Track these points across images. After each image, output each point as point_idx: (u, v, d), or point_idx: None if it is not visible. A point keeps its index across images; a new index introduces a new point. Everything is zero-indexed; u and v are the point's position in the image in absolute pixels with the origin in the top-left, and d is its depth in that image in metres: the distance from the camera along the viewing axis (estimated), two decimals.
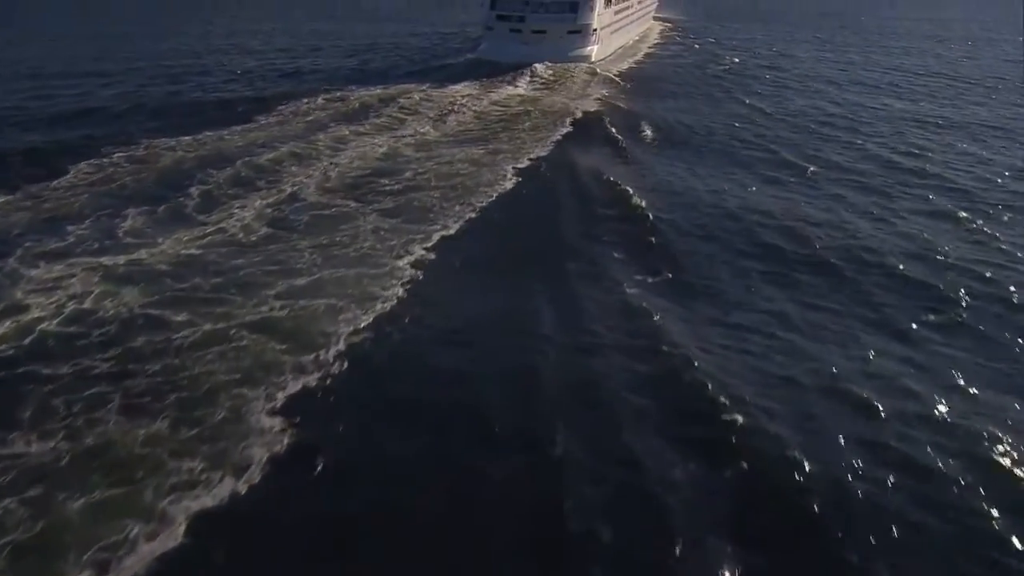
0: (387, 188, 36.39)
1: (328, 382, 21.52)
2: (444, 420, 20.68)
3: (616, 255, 30.63)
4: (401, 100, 57.06)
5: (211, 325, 23.99)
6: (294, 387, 21.09)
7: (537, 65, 76.45)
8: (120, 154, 41.11)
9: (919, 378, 22.86)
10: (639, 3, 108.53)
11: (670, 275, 29.10)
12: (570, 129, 50.58)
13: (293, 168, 39.14)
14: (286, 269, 27.98)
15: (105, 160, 40.17)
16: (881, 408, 21.19)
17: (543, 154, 44.49)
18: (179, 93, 60.67)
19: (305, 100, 55.75)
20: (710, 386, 21.71)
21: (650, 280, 28.66)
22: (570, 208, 36.13)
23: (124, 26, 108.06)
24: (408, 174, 38.44)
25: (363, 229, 31.55)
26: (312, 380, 21.44)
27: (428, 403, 21.32)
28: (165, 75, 68.89)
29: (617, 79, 72.33)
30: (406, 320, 25.07)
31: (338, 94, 58.21)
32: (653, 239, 32.36)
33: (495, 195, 36.35)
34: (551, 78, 72.66)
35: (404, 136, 46.41)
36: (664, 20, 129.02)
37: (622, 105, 60.17)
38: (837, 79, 74.60)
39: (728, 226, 34.16)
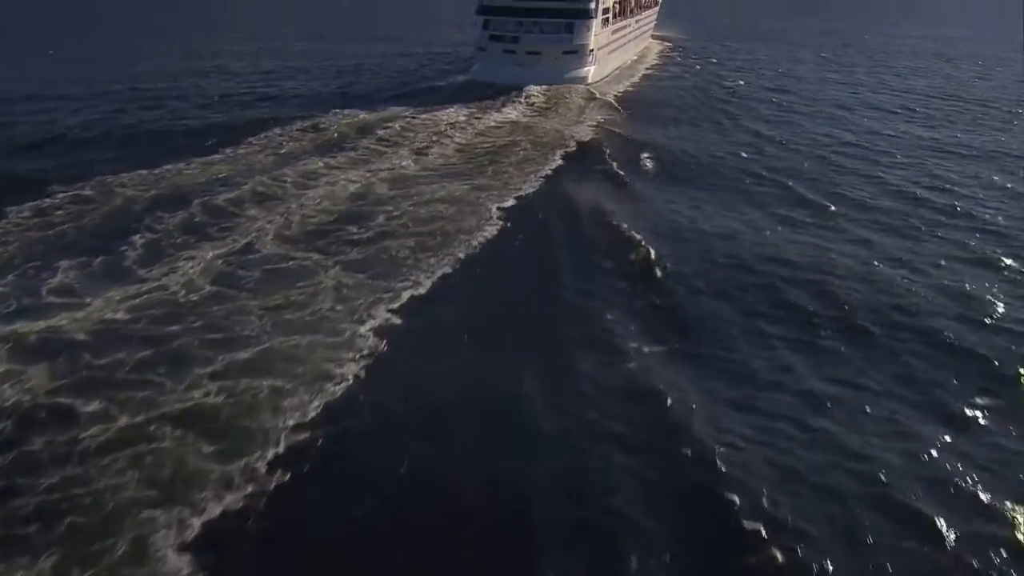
0: (354, 236, 32.26)
1: (257, 503, 17.34)
2: (409, 551, 16.56)
3: (617, 318, 26.48)
4: (383, 128, 53.05)
5: (128, 418, 19.87)
6: (214, 510, 16.94)
7: (531, 87, 72.69)
8: (66, 193, 36.90)
9: (983, 479, 18.85)
10: (637, 22, 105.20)
11: (679, 344, 24.97)
12: (564, 162, 46.57)
13: (253, 211, 35.03)
14: (228, 338, 23.85)
15: (48, 201, 35.99)
16: (942, 522, 17.22)
17: (533, 191, 40.49)
18: (149, 120, 56.73)
19: (279, 128, 51.79)
20: (736, 500, 17.67)
21: (657, 350, 24.53)
22: (563, 259, 31.91)
23: (105, 46, 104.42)
24: (380, 218, 34.28)
25: (323, 286, 27.44)
26: (238, 500, 17.27)
27: (387, 529, 17.18)
28: (139, 100, 64.96)
29: (615, 103, 68.49)
30: (364, 408, 20.92)
31: (316, 121, 54.17)
32: (658, 299, 28.24)
33: (477, 243, 32.23)
34: (545, 102, 68.83)
35: (381, 171, 42.30)
36: (662, 39, 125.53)
37: (621, 132, 56.23)
38: (847, 103, 70.84)
39: (743, 280, 30.05)
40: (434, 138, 50.55)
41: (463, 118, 58.76)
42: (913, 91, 78.34)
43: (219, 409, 20.39)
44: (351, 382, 21.86)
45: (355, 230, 32.71)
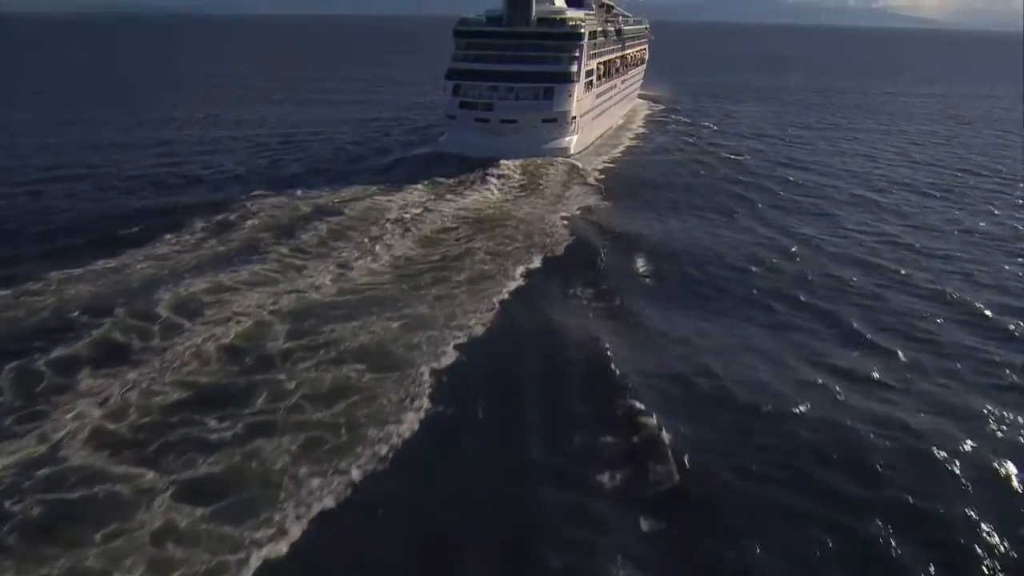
0: (212, 433, 21.39)
1: None
2: None
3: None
4: (309, 224, 42.91)
5: None
6: None
7: (506, 162, 62.94)
8: None
9: None
10: (623, 82, 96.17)
11: None
12: (533, 277, 36.17)
13: (85, 380, 24.16)
14: None
15: None
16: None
17: (487, 328, 30.01)
18: (27, 213, 46.00)
19: (181, 224, 41.74)
20: None
21: None
22: (531, 456, 21.23)
23: (34, 111, 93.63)
24: (260, 398, 23.38)
25: (138, 536, 16.69)
26: None
27: None
28: (32, 181, 54.35)
29: (601, 181, 58.84)
30: None
31: (229, 214, 44.04)
32: (678, 507, 17.72)
33: (395, 442, 21.39)
34: (521, 179, 59.12)
35: (286, 295, 31.93)
36: (650, 98, 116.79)
37: (608, 224, 46.13)
38: (874, 180, 61.03)
39: (797, 486, 19.73)
40: (373, 239, 40.05)
41: (419, 204, 48.92)
42: (942, 164, 68.60)
43: None
44: None
45: (215, 424, 21.74)
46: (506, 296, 33.08)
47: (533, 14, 71.12)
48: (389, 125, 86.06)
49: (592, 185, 57.17)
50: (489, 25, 71.79)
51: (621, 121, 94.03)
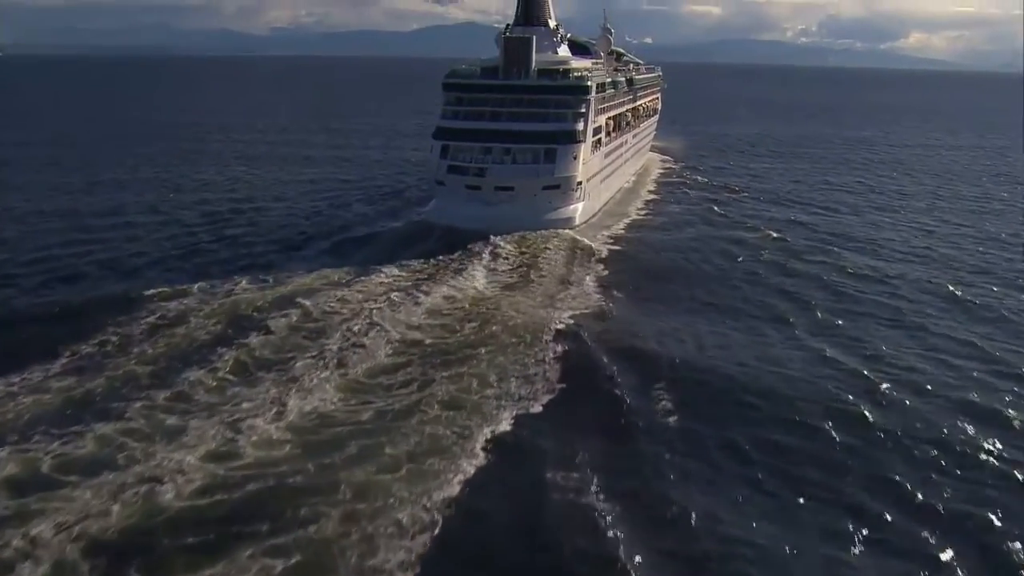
0: None
1: None
2: None
3: None
4: (277, 316, 35.62)
5: None
6: None
7: (499, 239, 53.83)
8: None
9: None
10: (634, 136, 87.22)
11: None
12: (520, 423, 26.88)
13: None
14: None
15: None
16: None
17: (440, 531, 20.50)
18: None
19: (142, 317, 35.16)
20: None
21: None
22: None
23: None
24: None
25: None
26: None
27: None
28: None
29: (609, 264, 49.48)
30: None
31: (172, 309, 36.60)
32: None
33: None
34: (515, 259, 50.23)
35: (126, 491, 22.00)
36: (662, 151, 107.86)
37: (620, 335, 36.68)
38: (942, 263, 50.77)
39: None
40: (288, 380, 29.95)
41: (401, 288, 42.02)
42: (1012, 244, 58.30)
43: None
44: None
45: None
46: (468, 475, 23.41)
47: (533, 64, 62.25)
48: (370, 188, 77.01)
49: (599, 271, 47.77)
50: (483, 77, 62.83)
51: (632, 180, 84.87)
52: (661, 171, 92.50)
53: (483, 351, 32.59)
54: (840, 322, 39.34)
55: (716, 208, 69.28)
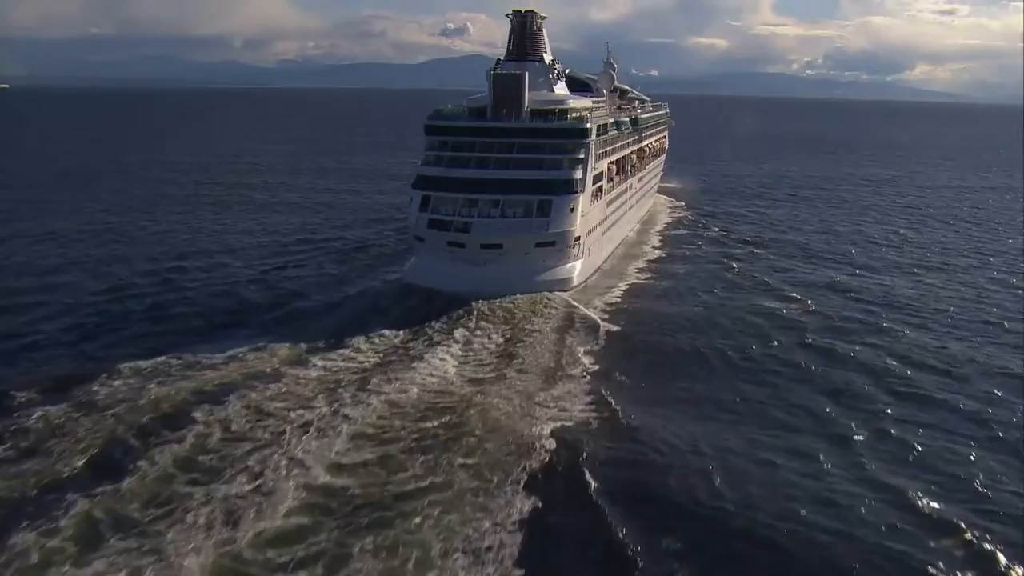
0: None
1: None
2: None
3: None
4: (166, 439, 27.67)
5: None
6: None
7: (483, 305, 46.62)
8: None
9: None
10: (640, 180, 79.43)
11: None
12: None
13: None
14: None
15: None
16: None
17: None
18: None
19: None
20: None
21: None
22: None
23: None
24: None
25: None
26: None
27: None
28: None
29: (607, 348, 41.34)
30: None
31: (60, 411, 29.14)
32: None
33: None
34: (499, 334, 42.94)
35: None
36: (671, 194, 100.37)
37: (615, 454, 28.75)
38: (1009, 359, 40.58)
39: None
40: (211, 507, 22.79)
41: (364, 372, 35.76)
42: None
43: None
44: None
45: None
46: None
47: (526, 104, 55.07)
48: (347, 239, 69.34)
49: (592, 360, 39.29)
50: (470, 119, 55.53)
51: (637, 229, 77.39)
52: (669, 219, 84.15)
53: (427, 502, 24.25)
54: (919, 444, 30.12)
55: (734, 266, 60.47)
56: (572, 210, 52.10)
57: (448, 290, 48.71)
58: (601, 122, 59.79)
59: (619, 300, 51.17)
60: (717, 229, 76.76)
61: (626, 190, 70.60)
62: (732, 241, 71.22)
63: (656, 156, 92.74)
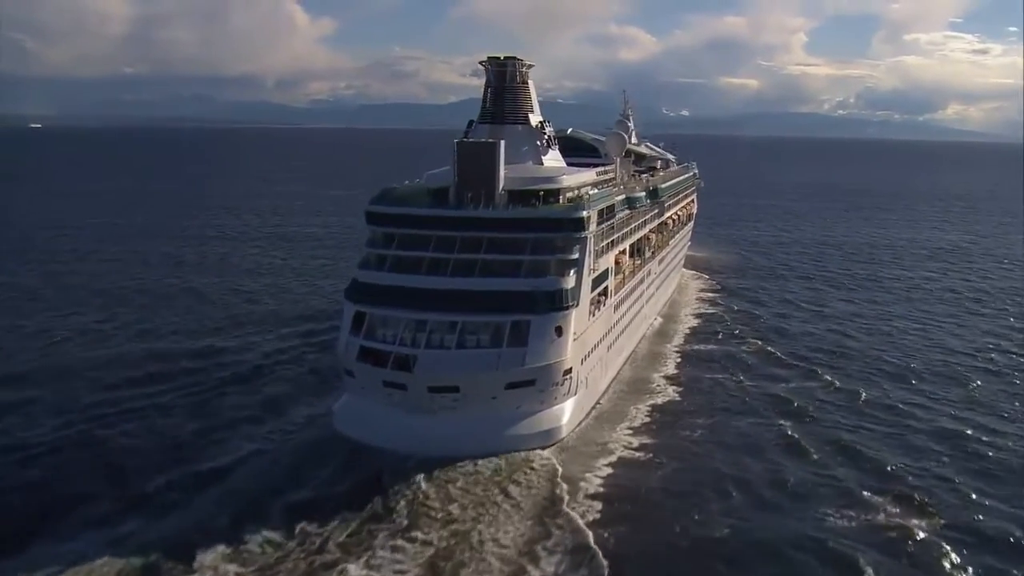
0: None
1: None
2: None
3: None
4: None
5: None
6: None
7: (425, 484, 32.19)
8: None
9: None
10: (660, 263, 64.28)
11: None
12: None
13: None
14: None
15: None
16: None
17: None
18: None
19: None
20: None
21: None
22: None
23: None
24: None
25: None
26: None
27: None
28: None
29: (604, 548, 27.15)
30: None
31: None
32: None
33: None
34: (442, 531, 29.05)
35: None
36: (699, 267, 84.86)
37: None
38: None
39: None
40: None
41: None
42: None
43: None
44: None
45: None
46: None
47: (500, 184, 40.60)
48: (294, 345, 54.59)
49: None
50: (425, 206, 40.80)
51: (659, 320, 62.25)
52: (695, 309, 67.52)
53: None
54: None
55: (800, 426, 41.19)
56: (559, 334, 37.67)
57: (384, 447, 35.31)
58: (607, 203, 45.15)
59: (635, 448, 37.62)
60: (761, 332, 58.85)
61: (642, 280, 55.77)
62: (789, 362, 51.95)
63: (683, 225, 77.43)
